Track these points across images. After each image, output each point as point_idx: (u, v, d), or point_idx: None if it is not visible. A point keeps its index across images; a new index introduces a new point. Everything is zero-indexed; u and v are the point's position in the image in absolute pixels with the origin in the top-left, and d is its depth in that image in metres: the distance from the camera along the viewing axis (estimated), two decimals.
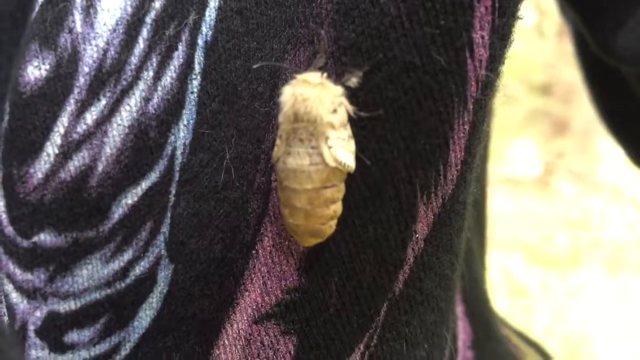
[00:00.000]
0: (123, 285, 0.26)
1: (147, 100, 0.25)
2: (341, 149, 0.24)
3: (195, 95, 0.25)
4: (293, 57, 0.25)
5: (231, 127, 0.25)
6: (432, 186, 0.26)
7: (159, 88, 0.25)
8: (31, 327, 0.26)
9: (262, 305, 0.26)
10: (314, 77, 0.24)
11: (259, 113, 0.25)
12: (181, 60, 0.25)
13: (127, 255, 0.26)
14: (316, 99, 0.24)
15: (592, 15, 0.39)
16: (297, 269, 0.26)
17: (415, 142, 0.25)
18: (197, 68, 0.25)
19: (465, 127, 0.26)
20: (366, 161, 0.25)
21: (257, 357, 0.27)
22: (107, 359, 0.26)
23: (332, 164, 0.24)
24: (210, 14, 0.25)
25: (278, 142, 0.25)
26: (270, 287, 0.26)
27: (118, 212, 0.25)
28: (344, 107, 0.25)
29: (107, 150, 0.25)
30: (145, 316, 0.26)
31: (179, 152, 0.25)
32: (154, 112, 0.25)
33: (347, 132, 0.25)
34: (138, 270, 0.26)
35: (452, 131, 0.26)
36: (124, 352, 0.26)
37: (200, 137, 0.25)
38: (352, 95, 0.25)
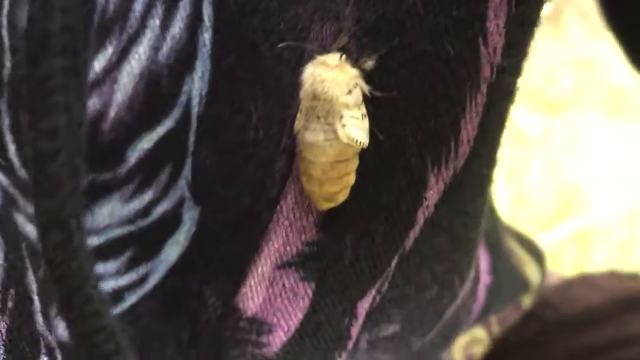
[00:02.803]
0: (146, 222, 0.28)
1: (156, 49, 0.26)
2: (354, 127, 0.27)
3: (208, 48, 0.26)
4: (320, 29, 0.26)
5: (254, 86, 0.27)
6: (442, 160, 0.28)
7: (168, 38, 0.26)
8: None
9: (284, 254, 0.30)
10: (332, 59, 0.26)
11: (286, 79, 0.27)
12: (188, 11, 0.25)
13: (148, 196, 0.28)
14: (332, 80, 0.26)
15: None
16: (315, 225, 0.29)
17: (427, 121, 0.27)
18: (207, 21, 0.26)
19: (479, 108, 0.27)
20: (379, 136, 0.27)
21: (279, 297, 0.30)
22: (136, 287, 0.29)
23: (345, 140, 0.26)
24: None
25: (299, 115, 0.27)
26: (292, 239, 0.29)
27: (134, 155, 0.27)
28: (359, 88, 0.26)
29: (119, 97, 0.26)
30: (172, 251, 0.29)
31: (195, 101, 0.27)
32: (164, 61, 0.26)
33: (362, 111, 0.27)
34: (160, 209, 0.28)
35: (464, 112, 0.27)
36: (152, 282, 0.30)
37: (217, 90, 0.27)
38: (368, 75, 0.26)
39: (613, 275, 0.59)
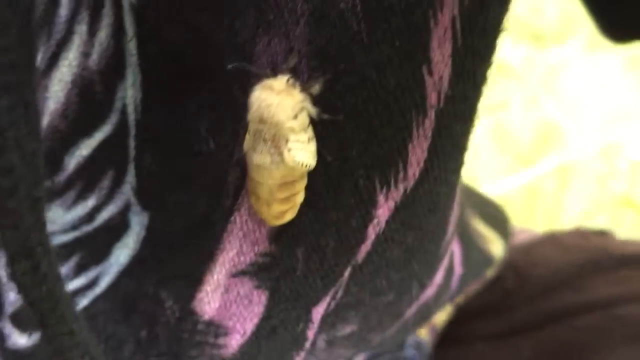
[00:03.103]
0: (91, 228, 0.29)
1: (86, 55, 0.25)
2: (300, 151, 0.27)
3: (135, 57, 0.26)
4: (268, 44, 0.26)
5: (194, 96, 0.26)
6: (391, 181, 0.28)
7: (96, 44, 0.25)
8: (2, 273, 0.28)
9: (238, 263, 0.30)
10: (278, 83, 0.26)
11: (235, 91, 0.26)
12: (110, 19, 0.25)
13: (91, 202, 0.28)
14: (278, 105, 0.26)
15: None
16: (268, 237, 0.30)
17: (373, 145, 0.27)
18: (129, 31, 0.25)
19: (427, 133, 0.27)
20: (327, 157, 0.27)
21: (235, 303, 0.31)
22: (87, 290, 0.30)
23: (290, 164, 0.27)
24: None
25: (247, 136, 0.27)
26: (245, 250, 0.30)
27: (72, 163, 0.27)
28: (306, 112, 0.26)
29: (51, 104, 0.26)
30: (122, 254, 0.30)
31: (130, 108, 0.27)
32: (95, 67, 0.25)
33: (308, 134, 0.27)
34: (105, 214, 0.29)
35: (411, 137, 0.27)
36: (103, 285, 0.30)
37: (152, 98, 0.26)
38: (316, 97, 0.26)
39: (580, 234, 0.60)
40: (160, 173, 0.28)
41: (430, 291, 0.36)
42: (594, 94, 1.46)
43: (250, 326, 0.31)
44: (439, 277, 0.37)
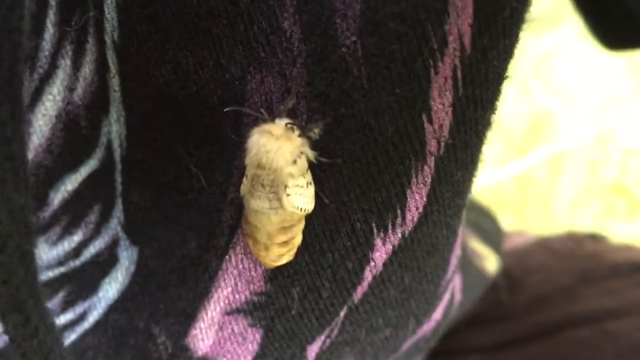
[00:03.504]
0: (78, 263, 0.28)
1: (71, 89, 0.25)
2: (299, 196, 0.26)
3: (119, 94, 0.25)
4: (260, 83, 0.25)
5: (180, 133, 0.26)
6: (389, 225, 0.28)
7: (81, 79, 0.25)
8: None
9: (232, 301, 0.30)
10: (277, 128, 0.25)
11: (225, 130, 0.26)
12: (95, 55, 0.25)
13: (78, 237, 0.28)
14: (277, 151, 0.25)
15: None
16: (263, 277, 0.29)
17: (371, 190, 0.27)
18: (112, 68, 0.25)
19: (427, 179, 0.27)
20: (325, 200, 0.27)
21: (229, 340, 0.31)
22: (75, 325, 0.30)
23: (289, 209, 0.26)
24: (110, 11, 0.24)
25: (244, 180, 0.26)
26: (240, 289, 0.29)
27: (58, 198, 0.27)
28: (305, 157, 0.26)
29: (35, 139, 0.25)
30: (110, 289, 0.29)
31: (115, 143, 0.26)
32: (80, 102, 0.25)
33: (307, 179, 0.26)
34: (93, 249, 0.28)
35: (410, 183, 0.27)
36: (92, 319, 0.30)
37: (136, 134, 0.26)
38: (315, 141, 0.26)
39: (573, 239, 0.60)
40: (148, 208, 0.27)
41: (427, 326, 0.36)
42: (586, 79, 1.46)
43: None
44: (437, 313, 0.36)
